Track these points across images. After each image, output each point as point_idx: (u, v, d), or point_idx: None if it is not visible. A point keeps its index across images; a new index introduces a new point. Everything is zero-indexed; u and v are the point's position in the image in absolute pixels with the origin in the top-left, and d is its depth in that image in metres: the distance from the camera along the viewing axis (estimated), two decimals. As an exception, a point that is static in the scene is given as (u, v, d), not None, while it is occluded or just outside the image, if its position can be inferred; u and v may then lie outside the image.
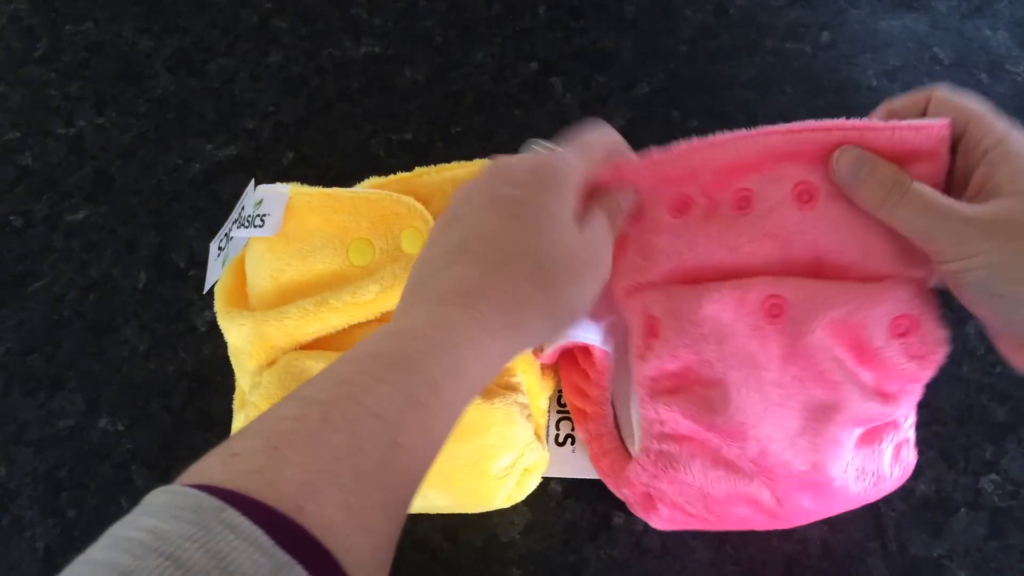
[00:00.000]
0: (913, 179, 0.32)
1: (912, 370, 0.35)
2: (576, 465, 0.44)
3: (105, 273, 0.53)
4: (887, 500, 0.41)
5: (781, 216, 0.35)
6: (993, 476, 0.44)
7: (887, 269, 0.35)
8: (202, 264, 0.53)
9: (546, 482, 0.44)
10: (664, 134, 0.54)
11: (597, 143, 0.36)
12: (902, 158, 0.33)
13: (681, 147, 0.36)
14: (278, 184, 0.43)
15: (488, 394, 0.41)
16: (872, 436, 0.37)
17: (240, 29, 0.61)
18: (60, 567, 0.21)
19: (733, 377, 0.36)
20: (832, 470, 0.36)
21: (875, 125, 0.33)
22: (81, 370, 0.51)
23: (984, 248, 0.29)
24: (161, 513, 0.21)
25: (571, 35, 0.58)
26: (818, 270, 0.36)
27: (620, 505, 0.42)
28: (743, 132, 0.35)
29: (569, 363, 0.44)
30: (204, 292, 0.51)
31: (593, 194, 0.35)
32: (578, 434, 0.44)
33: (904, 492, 0.41)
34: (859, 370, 0.35)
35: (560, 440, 0.44)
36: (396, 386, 0.26)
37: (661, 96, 0.55)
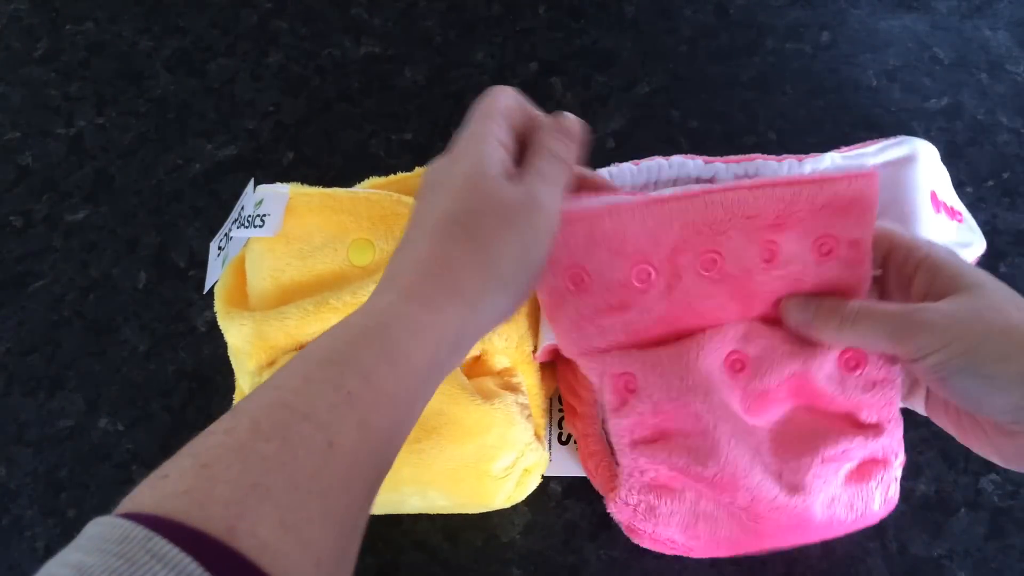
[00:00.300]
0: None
1: (879, 397, 0.36)
2: (579, 463, 0.44)
3: (105, 273, 0.53)
4: (887, 500, 0.41)
5: (748, 276, 0.35)
6: (993, 476, 0.44)
7: None
8: (202, 264, 0.53)
9: (546, 482, 0.44)
10: (664, 134, 0.54)
11: (492, 104, 0.34)
12: (854, 208, 0.34)
13: (648, 204, 0.34)
14: (278, 184, 0.43)
15: (488, 394, 0.41)
16: (863, 475, 0.37)
17: (240, 29, 0.61)
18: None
19: (722, 429, 0.36)
20: (816, 508, 0.36)
21: (835, 176, 0.34)
22: (81, 370, 0.51)
23: (956, 335, 0.30)
24: (87, 547, 0.20)
25: (571, 35, 0.58)
26: (773, 318, 0.37)
27: (620, 505, 0.42)
28: (706, 190, 0.34)
29: (565, 358, 0.44)
30: (204, 292, 0.51)
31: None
32: (570, 430, 0.44)
33: (904, 492, 0.41)
34: (830, 411, 0.37)
35: (563, 439, 0.44)
36: (325, 383, 0.25)
37: (661, 96, 0.55)
